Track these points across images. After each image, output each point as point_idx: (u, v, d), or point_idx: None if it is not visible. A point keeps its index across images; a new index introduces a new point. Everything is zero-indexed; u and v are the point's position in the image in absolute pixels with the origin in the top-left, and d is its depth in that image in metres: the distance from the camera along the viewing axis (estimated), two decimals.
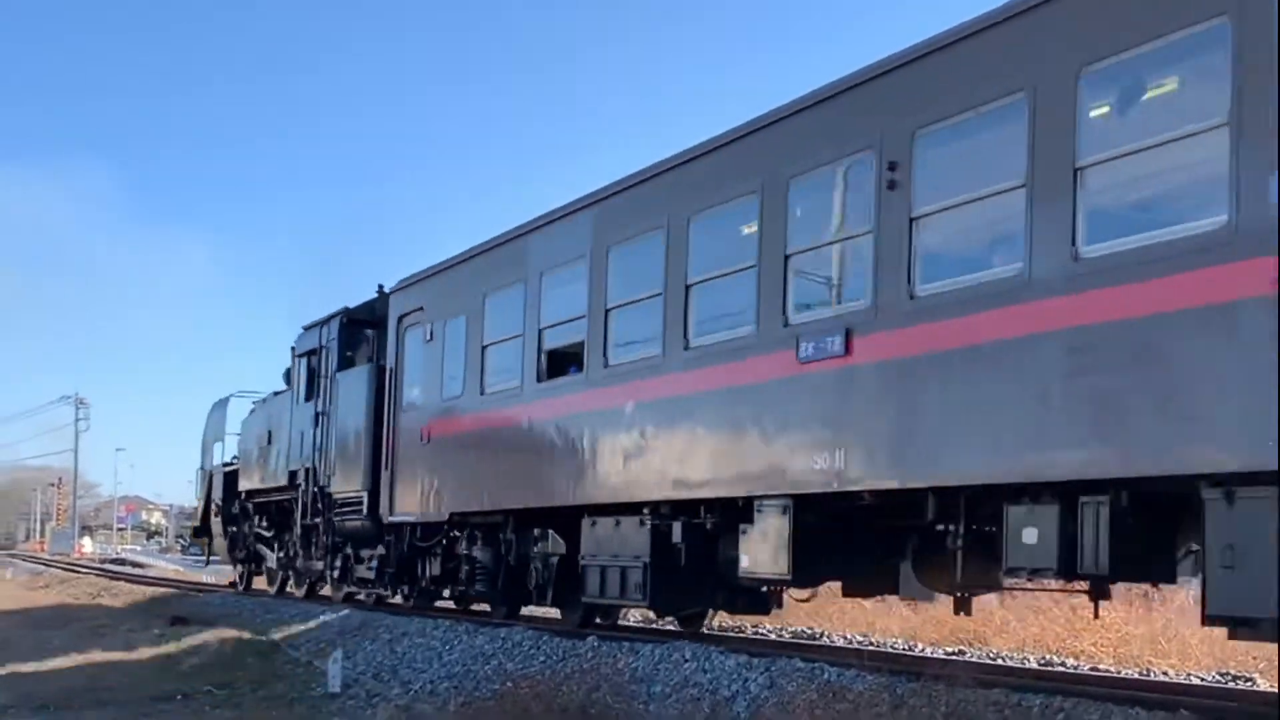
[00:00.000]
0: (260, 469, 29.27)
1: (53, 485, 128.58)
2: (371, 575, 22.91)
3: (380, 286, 24.23)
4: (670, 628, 19.34)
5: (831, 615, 22.01)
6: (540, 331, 17.55)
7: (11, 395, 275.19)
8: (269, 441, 28.71)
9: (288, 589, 28.23)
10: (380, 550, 22.43)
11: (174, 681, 17.04)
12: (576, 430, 16.50)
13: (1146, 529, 10.21)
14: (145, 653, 19.93)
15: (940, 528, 12.07)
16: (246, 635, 20.60)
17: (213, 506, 33.26)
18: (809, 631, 20.24)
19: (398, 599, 22.50)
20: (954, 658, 15.44)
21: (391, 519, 21.48)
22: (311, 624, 20.99)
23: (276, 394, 29.31)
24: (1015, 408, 10.47)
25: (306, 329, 27.02)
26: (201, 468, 35.58)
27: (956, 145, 11.47)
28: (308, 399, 26.24)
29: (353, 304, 25.28)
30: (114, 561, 72.03)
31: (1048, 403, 10.18)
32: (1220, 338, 8.95)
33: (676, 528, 14.87)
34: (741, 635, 19.35)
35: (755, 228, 13.52)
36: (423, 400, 20.85)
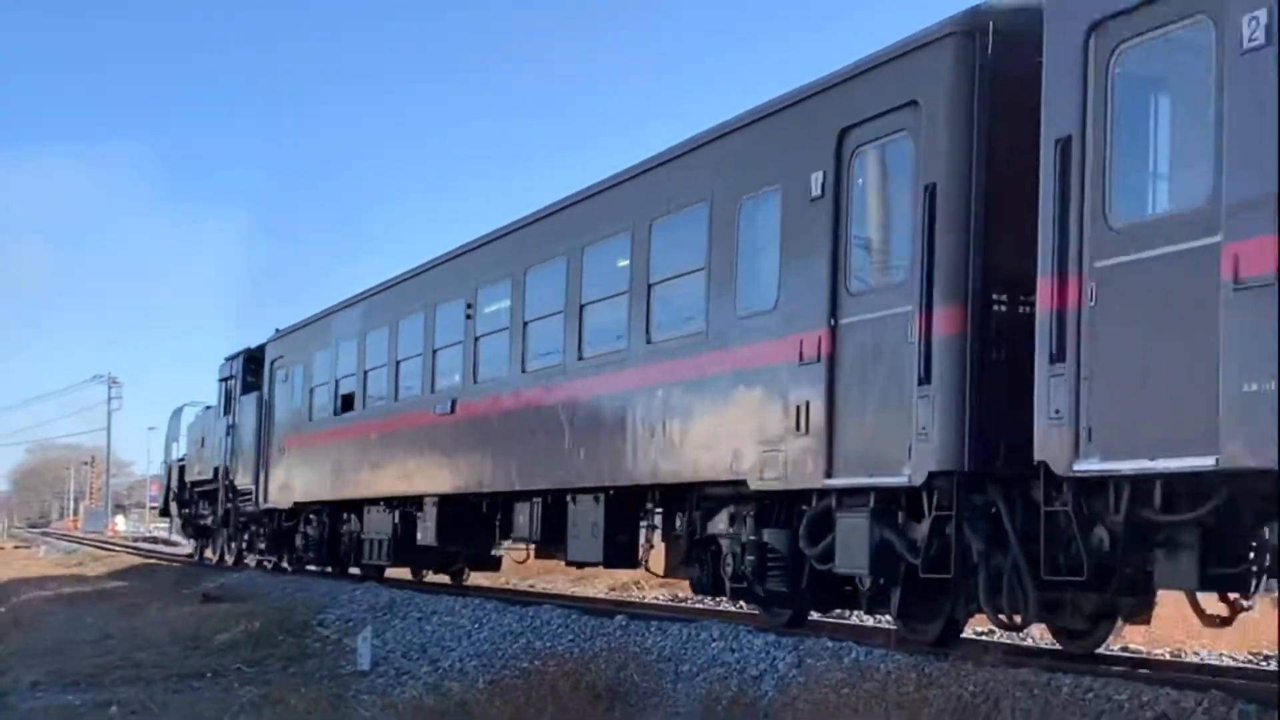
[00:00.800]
0: (199, 465, 37.65)
1: (85, 464, 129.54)
2: (263, 547, 31.79)
3: (277, 329, 31.18)
4: (699, 606, 19.36)
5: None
6: (337, 381, 25.79)
7: (44, 374, 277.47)
8: (203, 445, 37.23)
9: (225, 558, 35.79)
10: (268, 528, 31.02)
11: (204, 658, 17.13)
12: (351, 450, 24.60)
13: None
14: (176, 630, 20.03)
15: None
16: (276, 613, 20.68)
17: (170, 493, 42.17)
18: (837, 611, 20.16)
19: (285, 565, 30.25)
20: (983, 637, 15.36)
21: (264, 506, 30.10)
22: (341, 602, 21.06)
23: (208, 408, 37.74)
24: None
25: (226, 360, 35.11)
26: (164, 462, 45.87)
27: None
28: (225, 413, 34.54)
29: (257, 343, 32.80)
30: (146, 540, 72.49)
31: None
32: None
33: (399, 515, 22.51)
34: None
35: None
36: (281, 420, 29.32)
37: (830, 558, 12.53)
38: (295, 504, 28.16)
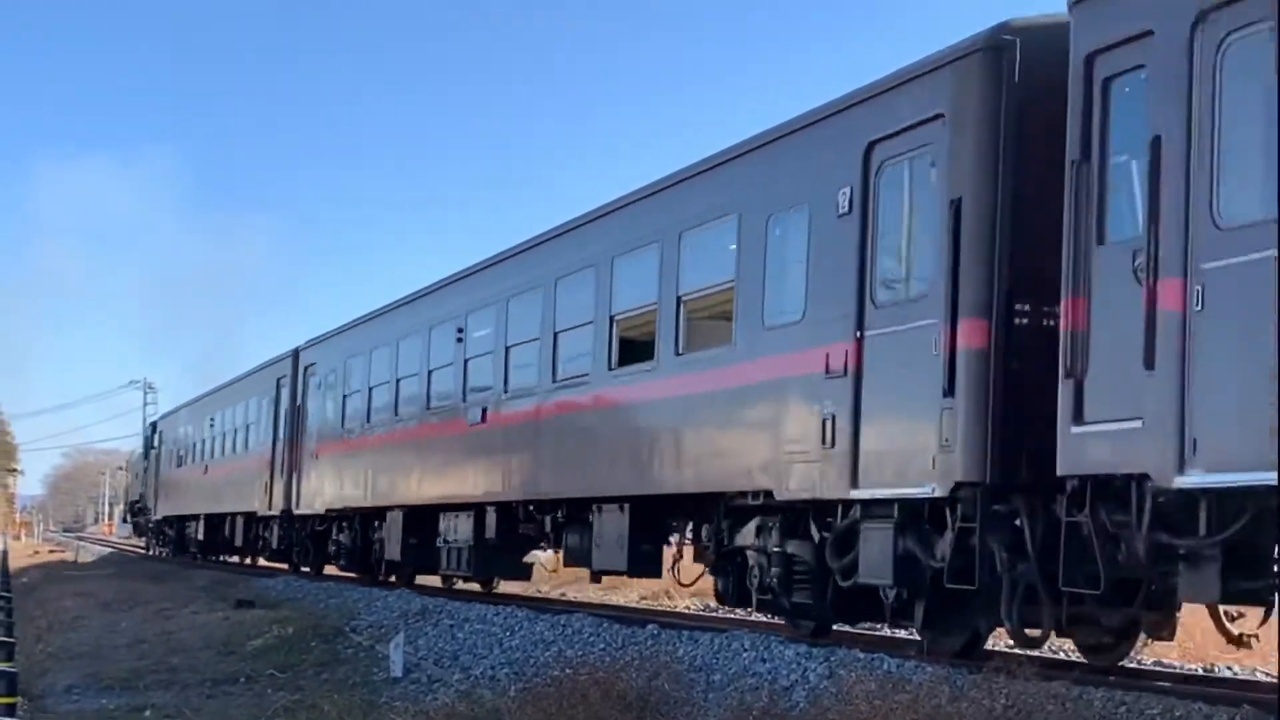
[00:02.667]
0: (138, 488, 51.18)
1: (120, 469, 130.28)
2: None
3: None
4: (730, 616, 19.34)
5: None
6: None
7: (80, 379, 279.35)
8: (135, 476, 51.07)
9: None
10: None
11: (237, 664, 17.23)
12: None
13: None
14: (209, 635, 20.15)
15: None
16: (309, 619, 20.79)
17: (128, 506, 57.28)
18: (865, 623, 20.13)
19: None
20: (1016, 650, 15.31)
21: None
22: (374, 609, 21.15)
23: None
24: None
25: (151, 424, 49.53)
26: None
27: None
28: (145, 458, 50.80)
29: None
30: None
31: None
32: None
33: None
34: None
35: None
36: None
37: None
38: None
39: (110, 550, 66.91)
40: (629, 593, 25.85)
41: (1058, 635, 12.62)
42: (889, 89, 12.51)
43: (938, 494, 11.41)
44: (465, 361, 21.31)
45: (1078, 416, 10.21)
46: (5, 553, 55.67)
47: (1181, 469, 9.33)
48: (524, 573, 23.55)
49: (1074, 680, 10.84)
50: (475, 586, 25.12)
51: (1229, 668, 14.93)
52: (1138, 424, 9.68)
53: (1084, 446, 10.12)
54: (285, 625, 19.86)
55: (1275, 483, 8.49)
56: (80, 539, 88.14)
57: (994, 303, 11.19)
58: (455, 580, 24.96)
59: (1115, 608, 11.09)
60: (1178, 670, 14.21)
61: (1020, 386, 11.07)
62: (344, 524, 28.05)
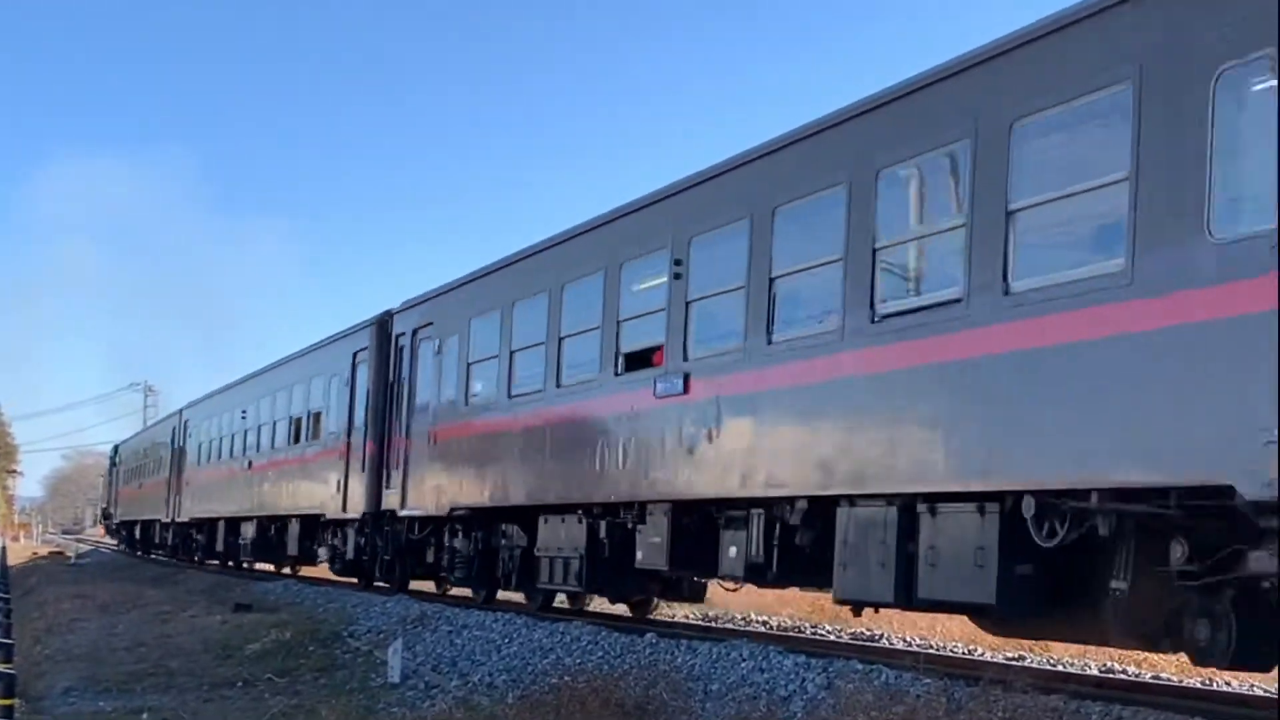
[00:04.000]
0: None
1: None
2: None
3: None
4: (728, 626, 19.34)
5: (892, 618, 21.92)
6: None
7: (81, 381, 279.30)
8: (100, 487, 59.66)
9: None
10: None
11: (236, 667, 17.23)
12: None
13: None
14: (208, 638, 20.15)
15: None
16: (307, 624, 20.78)
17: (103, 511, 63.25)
18: (868, 633, 20.16)
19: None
20: (1014, 663, 15.32)
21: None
22: (372, 614, 21.14)
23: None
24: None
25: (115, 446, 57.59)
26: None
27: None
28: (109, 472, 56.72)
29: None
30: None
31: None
32: None
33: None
34: (800, 635, 19.31)
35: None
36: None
37: None
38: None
39: (91, 548, 71.81)
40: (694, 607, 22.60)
41: None
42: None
43: None
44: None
45: None
46: (4, 549, 55.86)
47: None
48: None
49: (1071, 694, 10.85)
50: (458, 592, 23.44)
51: (1227, 683, 14.94)
52: None
53: None
54: (283, 629, 19.86)
55: None
56: (79, 540, 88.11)
57: None
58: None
59: None
60: (1176, 684, 14.22)
61: None
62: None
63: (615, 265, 17.17)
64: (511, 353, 19.85)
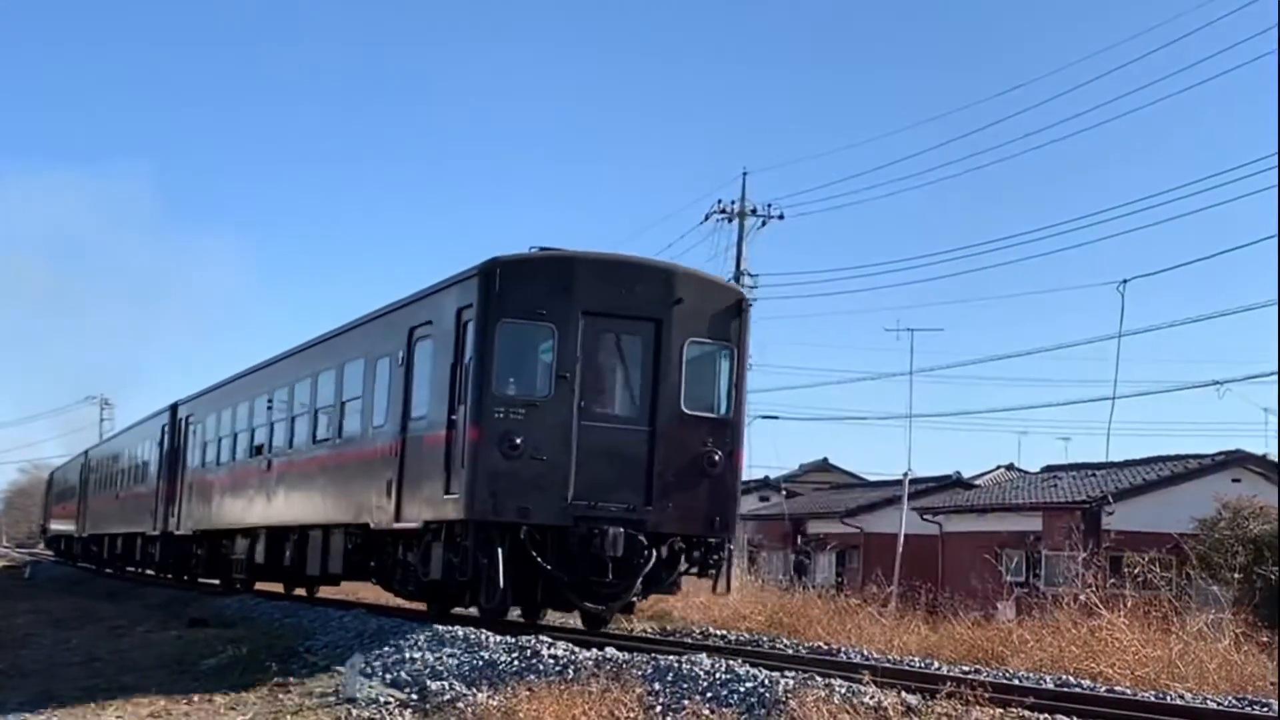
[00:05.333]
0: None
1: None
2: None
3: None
4: (688, 640, 19.35)
5: (849, 631, 22.01)
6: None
7: (36, 395, 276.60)
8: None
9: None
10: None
11: (191, 683, 17.12)
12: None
13: None
14: (163, 653, 20.02)
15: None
16: (264, 638, 20.66)
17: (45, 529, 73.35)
18: (826, 646, 20.23)
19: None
20: (970, 676, 15.41)
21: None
22: (330, 629, 21.03)
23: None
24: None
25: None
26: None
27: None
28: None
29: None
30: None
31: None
32: None
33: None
34: (759, 650, 19.34)
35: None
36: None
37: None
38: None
39: (47, 563, 70.75)
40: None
41: None
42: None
43: None
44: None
45: None
46: None
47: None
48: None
49: (1028, 707, 10.93)
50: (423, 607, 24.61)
51: (1181, 695, 15.06)
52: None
53: None
54: (240, 645, 19.73)
55: None
56: (34, 555, 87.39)
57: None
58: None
59: None
60: (1130, 697, 14.32)
61: None
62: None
63: (259, 395, 30.34)
64: (219, 437, 33.48)
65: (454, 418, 18.75)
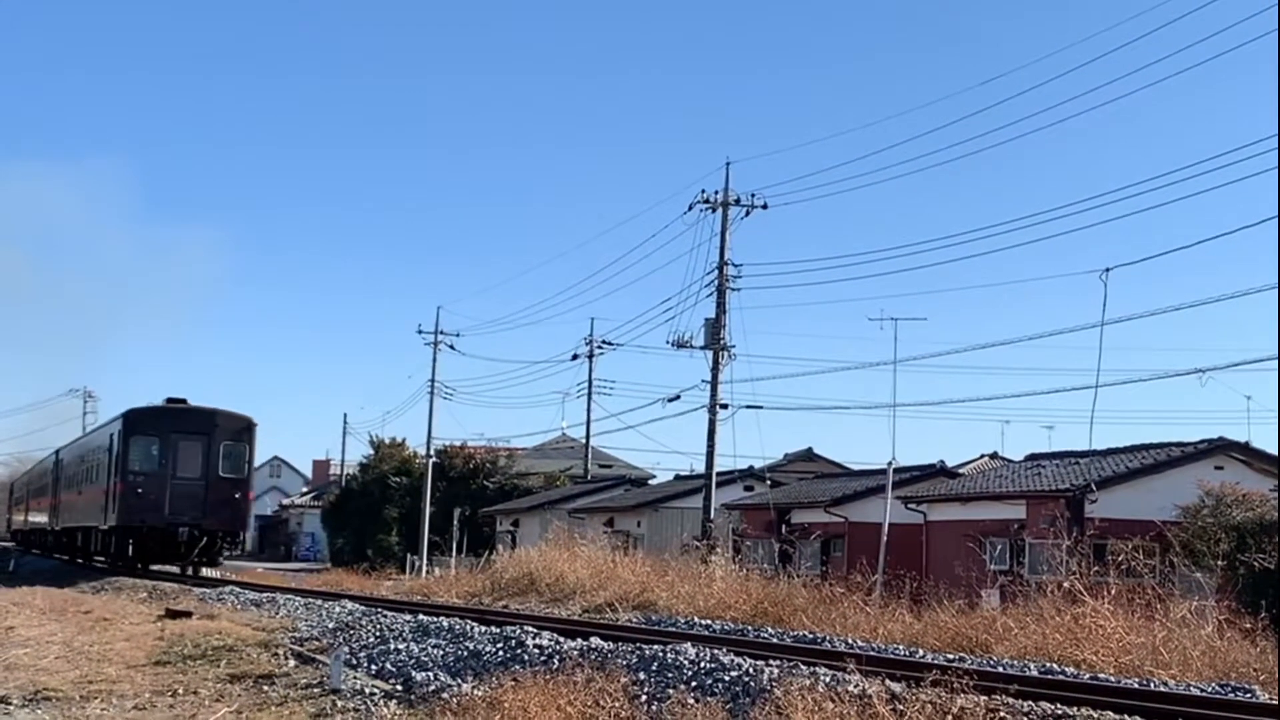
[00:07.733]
0: None
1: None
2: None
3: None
4: (671, 629, 19.37)
5: (834, 620, 22.04)
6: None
7: (20, 388, 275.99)
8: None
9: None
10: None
11: (173, 674, 17.09)
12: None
13: None
14: (145, 645, 19.98)
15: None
16: (248, 630, 20.64)
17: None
18: (810, 635, 20.26)
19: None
20: (955, 664, 15.43)
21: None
22: (314, 619, 21.02)
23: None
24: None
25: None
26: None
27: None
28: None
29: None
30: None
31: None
32: None
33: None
34: (743, 639, 19.37)
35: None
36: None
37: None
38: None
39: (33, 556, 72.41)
40: (571, 605, 25.82)
41: None
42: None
43: None
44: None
45: None
46: None
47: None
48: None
49: (1013, 694, 10.95)
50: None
51: (1165, 683, 15.10)
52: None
53: None
54: (224, 636, 19.70)
55: None
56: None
57: None
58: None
59: None
60: (1113, 684, 14.35)
61: None
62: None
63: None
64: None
65: (115, 479, 41.00)
